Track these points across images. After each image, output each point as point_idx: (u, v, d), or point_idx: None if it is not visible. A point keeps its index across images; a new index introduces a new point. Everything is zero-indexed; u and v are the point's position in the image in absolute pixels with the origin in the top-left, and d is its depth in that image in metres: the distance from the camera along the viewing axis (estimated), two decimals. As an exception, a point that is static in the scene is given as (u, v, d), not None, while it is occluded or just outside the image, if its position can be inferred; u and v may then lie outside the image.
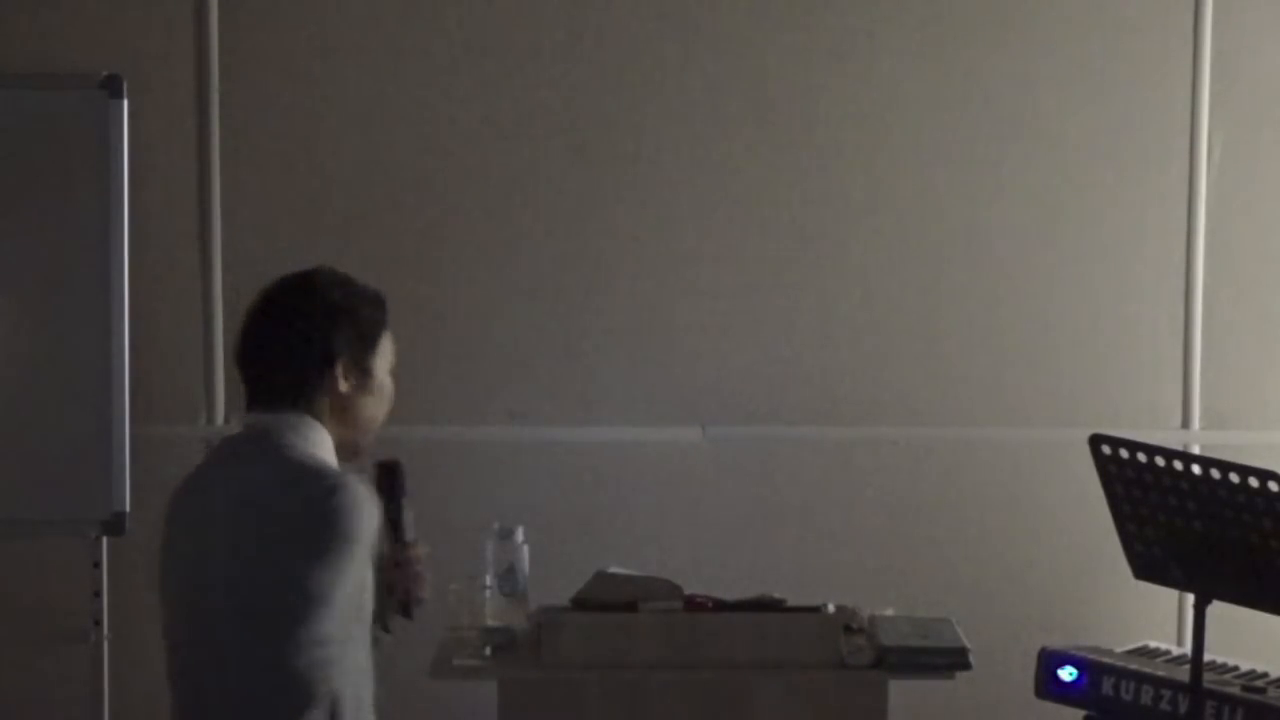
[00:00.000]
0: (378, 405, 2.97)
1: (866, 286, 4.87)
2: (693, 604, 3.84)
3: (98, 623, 4.51)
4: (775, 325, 4.86)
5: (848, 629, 3.87)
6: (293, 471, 2.79)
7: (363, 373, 2.92)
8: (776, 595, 3.92)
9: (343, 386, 2.88)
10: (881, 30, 4.82)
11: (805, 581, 4.21)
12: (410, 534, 3.01)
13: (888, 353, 4.87)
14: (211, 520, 2.86)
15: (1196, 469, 3.30)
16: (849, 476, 4.88)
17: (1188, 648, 3.62)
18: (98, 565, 4.49)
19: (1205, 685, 3.44)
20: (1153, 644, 4.16)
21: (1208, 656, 3.42)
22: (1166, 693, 3.82)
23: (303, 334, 2.88)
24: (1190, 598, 3.45)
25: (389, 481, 3.05)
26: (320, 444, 2.85)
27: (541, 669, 3.76)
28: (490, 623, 3.94)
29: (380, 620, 2.99)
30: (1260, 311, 4.89)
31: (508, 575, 4.03)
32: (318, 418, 2.86)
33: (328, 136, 4.81)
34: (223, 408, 4.83)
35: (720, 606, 3.86)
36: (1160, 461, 3.35)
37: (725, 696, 3.78)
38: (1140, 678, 3.89)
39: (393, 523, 2.99)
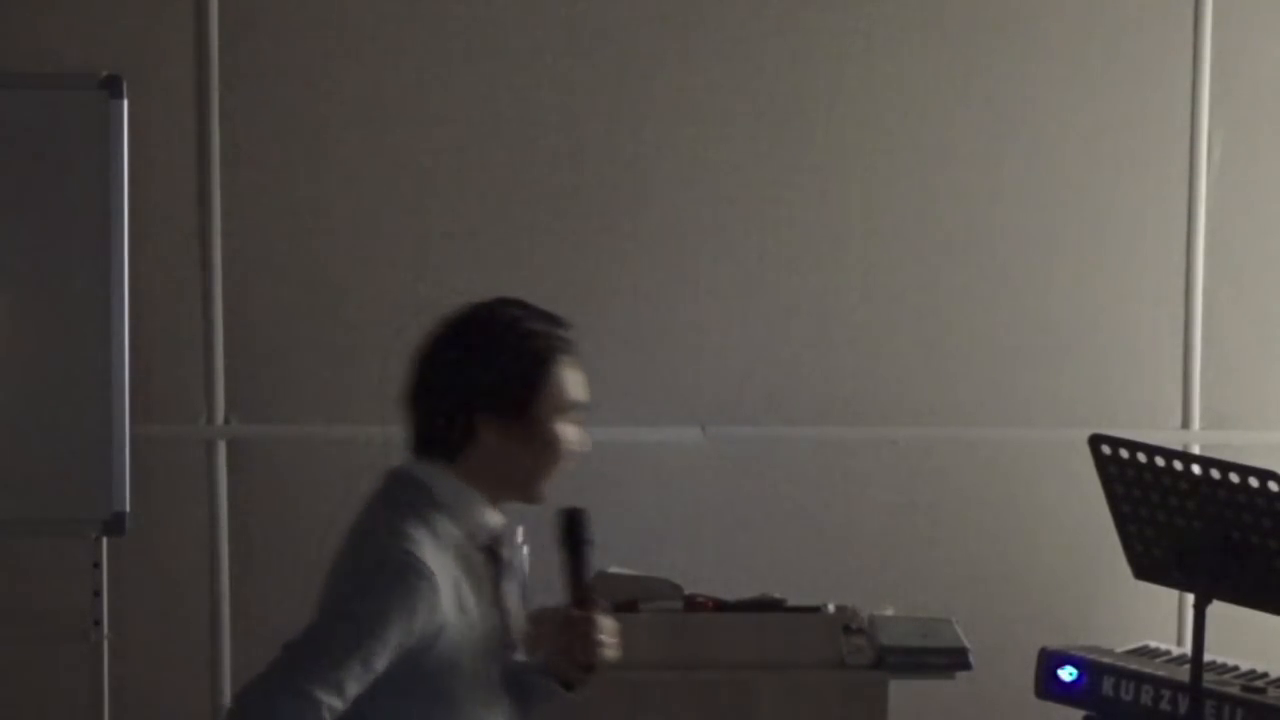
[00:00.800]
0: (540, 455, 2.70)
1: (866, 286, 4.87)
2: (693, 604, 3.85)
3: (98, 623, 4.50)
4: (775, 325, 4.86)
5: (848, 629, 3.87)
6: (374, 525, 2.70)
7: (518, 421, 2.67)
8: (776, 595, 3.92)
9: (490, 438, 2.67)
10: (881, 30, 4.82)
11: (805, 581, 4.22)
12: (589, 590, 2.75)
13: (888, 353, 4.87)
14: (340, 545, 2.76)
15: (1196, 469, 3.30)
16: (849, 476, 4.87)
17: (1188, 648, 3.62)
18: (98, 565, 4.48)
19: (1205, 685, 3.44)
20: (1153, 644, 4.16)
21: (1208, 656, 3.41)
22: (1166, 693, 3.82)
23: (440, 382, 2.73)
24: (1190, 598, 3.45)
25: (571, 531, 2.79)
26: (441, 498, 2.69)
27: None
28: (490, 623, 3.94)
29: (558, 676, 2.77)
30: (1260, 311, 4.89)
31: (508, 575, 4.03)
32: (459, 468, 2.69)
33: (328, 137, 4.81)
34: (223, 408, 4.83)
35: (720, 606, 3.86)
36: (1160, 461, 3.35)
37: (725, 696, 3.78)
38: (1140, 678, 3.88)
39: (572, 576, 2.76)
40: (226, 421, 4.83)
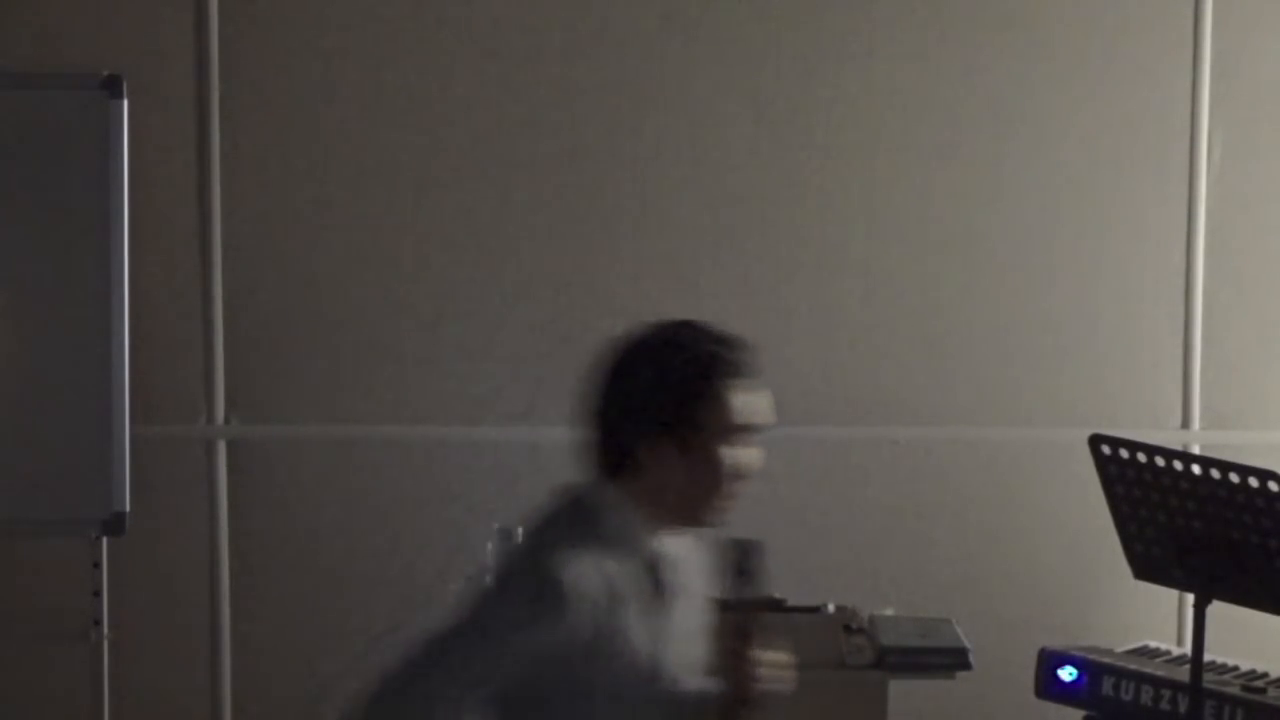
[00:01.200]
0: (709, 479, 2.65)
1: (866, 286, 4.87)
2: (693, 604, 3.84)
3: (98, 623, 4.51)
4: (776, 325, 4.86)
5: (848, 629, 3.88)
6: (533, 541, 2.68)
7: (687, 445, 2.63)
8: (776, 595, 3.92)
9: (659, 461, 2.64)
10: (881, 30, 4.82)
11: (805, 581, 4.21)
12: (755, 622, 2.70)
13: (888, 353, 4.87)
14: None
15: (1196, 469, 3.30)
16: (849, 476, 4.87)
17: (1188, 648, 3.62)
18: (98, 565, 4.49)
19: (1205, 685, 3.44)
20: (1153, 644, 4.16)
21: (1208, 656, 3.41)
22: (1166, 693, 3.82)
23: (612, 404, 2.69)
24: (1190, 598, 3.45)
25: (743, 563, 2.74)
26: (606, 519, 2.65)
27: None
28: (490, 623, 3.94)
29: (724, 707, 2.72)
30: (1260, 311, 4.89)
31: (508, 575, 4.03)
32: (629, 491, 2.65)
33: (328, 136, 4.81)
34: (222, 408, 4.83)
35: (720, 606, 3.85)
36: (1160, 461, 3.35)
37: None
38: (1140, 678, 3.88)
39: (738, 607, 2.71)
40: (226, 421, 4.83)
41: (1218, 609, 3.33)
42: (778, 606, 3.89)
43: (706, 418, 2.63)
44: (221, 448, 4.84)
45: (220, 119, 4.79)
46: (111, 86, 4.42)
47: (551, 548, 2.60)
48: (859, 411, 4.85)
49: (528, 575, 2.59)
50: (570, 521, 2.67)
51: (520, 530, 2.73)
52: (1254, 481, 3.21)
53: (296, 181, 4.82)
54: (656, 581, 2.68)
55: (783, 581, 4.04)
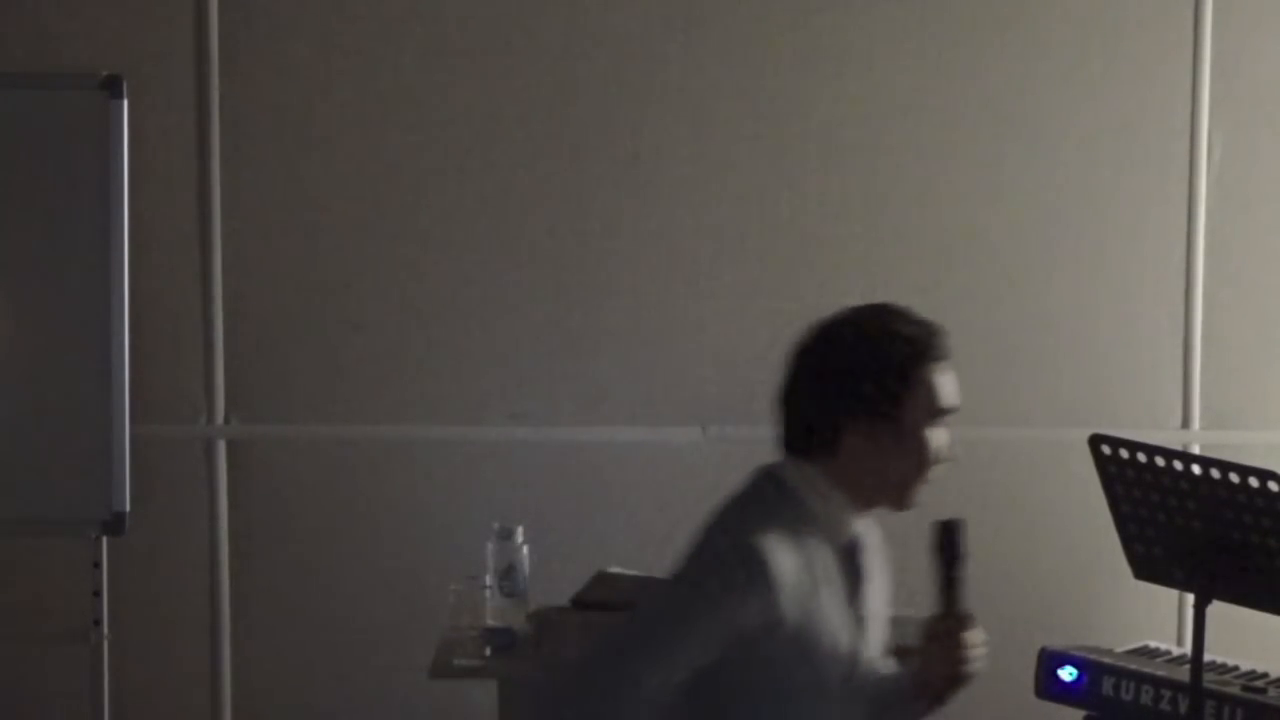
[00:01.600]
0: (908, 460, 2.68)
1: (866, 286, 4.86)
2: (693, 604, 3.84)
3: (98, 623, 4.50)
4: (775, 325, 4.84)
5: (848, 629, 3.87)
6: (729, 518, 2.68)
7: (887, 426, 2.64)
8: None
9: (858, 442, 2.65)
10: (881, 30, 4.82)
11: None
12: (961, 602, 2.72)
13: (888, 353, 4.86)
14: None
15: (1196, 469, 3.30)
16: (849, 476, 4.87)
17: (1188, 648, 3.61)
18: (98, 565, 4.48)
19: (1205, 685, 3.43)
20: (1153, 644, 4.16)
21: (1208, 656, 3.41)
22: (1166, 693, 3.82)
23: (811, 384, 2.70)
24: (1190, 598, 3.45)
25: (947, 543, 2.77)
26: (804, 499, 2.67)
27: (541, 669, 3.76)
28: (490, 623, 3.95)
29: (925, 688, 2.73)
30: (1260, 311, 4.89)
31: (508, 575, 4.04)
32: (827, 471, 2.67)
33: (328, 136, 4.81)
34: (222, 408, 4.83)
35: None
36: (1160, 461, 3.35)
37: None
38: (1140, 678, 3.88)
39: (945, 589, 2.73)
40: (226, 421, 4.83)
41: (1218, 609, 3.32)
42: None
43: (909, 400, 2.64)
44: (221, 448, 4.84)
45: (220, 119, 4.79)
46: (111, 86, 4.42)
47: (751, 525, 2.60)
48: (859, 411, 4.84)
49: (728, 552, 2.58)
50: (770, 501, 2.67)
51: (716, 510, 2.72)
52: (1254, 481, 3.21)
53: (296, 181, 4.82)
54: (852, 564, 2.70)
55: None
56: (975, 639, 2.71)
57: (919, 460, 2.68)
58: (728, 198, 4.84)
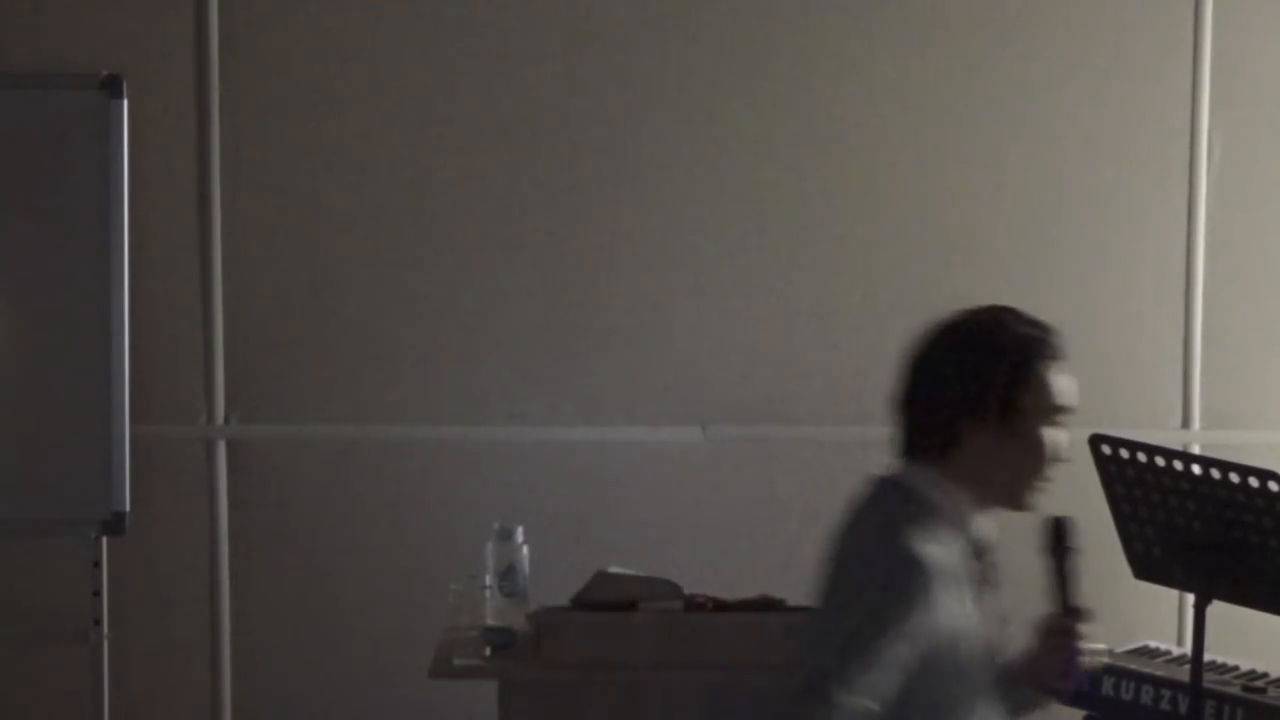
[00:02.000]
0: (1027, 460, 2.68)
1: (866, 286, 4.87)
2: (693, 604, 3.84)
3: (98, 623, 4.50)
4: (775, 325, 4.86)
5: (848, 629, 3.86)
6: (872, 532, 2.67)
7: (1006, 426, 2.65)
8: (776, 595, 3.92)
9: (978, 442, 2.66)
10: (882, 30, 4.82)
11: (805, 581, 4.20)
12: (1076, 597, 2.74)
13: (888, 353, 4.83)
14: (827, 550, 2.76)
15: (1196, 469, 3.30)
16: (849, 476, 4.84)
17: (1188, 648, 3.61)
18: (98, 565, 4.49)
19: (1205, 685, 3.44)
20: (1153, 644, 4.16)
21: (1208, 656, 3.41)
22: (1166, 693, 3.82)
23: (929, 387, 2.72)
24: (1190, 598, 3.45)
25: (1058, 539, 2.79)
26: (935, 504, 2.67)
27: (541, 669, 3.76)
28: (490, 623, 3.95)
29: (1037, 683, 2.76)
30: (1260, 311, 4.89)
31: (508, 575, 4.04)
32: (948, 474, 2.68)
33: (328, 136, 4.81)
34: (222, 408, 4.83)
35: (720, 606, 3.85)
36: (1160, 461, 3.35)
37: (725, 696, 3.78)
38: (1140, 678, 3.88)
39: (1058, 584, 2.75)
40: (226, 421, 4.83)
41: (1218, 609, 3.32)
42: (778, 606, 3.89)
43: (1029, 399, 2.66)
44: (221, 448, 4.84)
45: (220, 119, 4.79)
46: (111, 86, 4.42)
47: (897, 531, 2.61)
48: (859, 411, 4.84)
49: (890, 560, 2.58)
50: (904, 509, 2.67)
51: (845, 524, 2.74)
52: (1254, 481, 3.21)
53: (296, 181, 4.82)
54: (980, 564, 2.71)
55: (783, 581, 4.05)
56: (1088, 633, 2.73)
57: (1037, 460, 2.69)
58: (728, 198, 4.84)
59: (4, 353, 4.44)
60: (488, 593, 4.03)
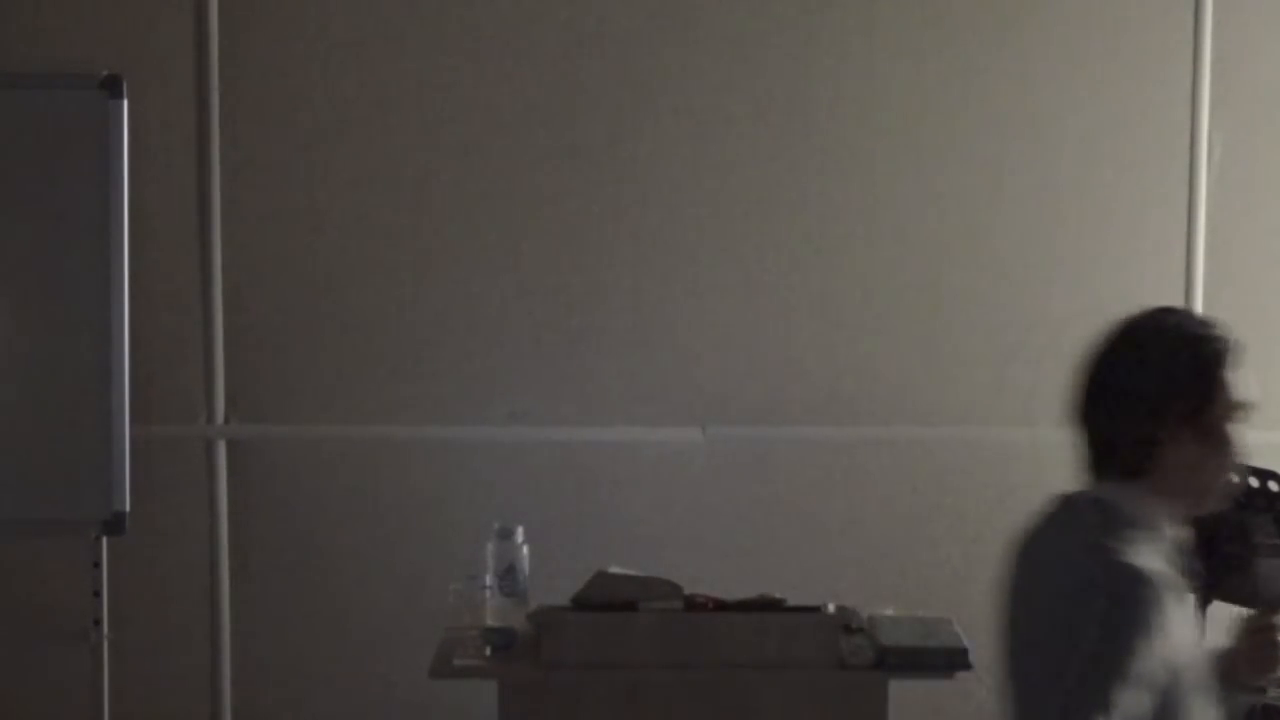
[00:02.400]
0: (1217, 461, 2.63)
1: (866, 286, 4.87)
2: (693, 604, 3.84)
3: (98, 623, 4.51)
4: (775, 325, 4.86)
5: (848, 629, 3.87)
6: (1086, 556, 2.59)
7: (1199, 430, 2.61)
8: (776, 595, 3.92)
9: (1173, 450, 2.60)
10: (882, 30, 4.82)
11: (805, 581, 4.21)
12: (1274, 596, 2.73)
13: (888, 353, 4.87)
14: (1017, 575, 2.73)
15: (1196, 469, 3.29)
16: (849, 476, 4.87)
17: (1188, 648, 3.61)
18: (98, 565, 4.49)
19: (1205, 685, 3.44)
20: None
21: (1208, 656, 3.41)
22: (1166, 693, 3.81)
23: (1118, 398, 2.65)
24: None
25: (1245, 537, 2.79)
26: (1135, 518, 2.62)
27: (541, 669, 3.76)
28: (490, 623, 3.95)
29: (1236, 683, 2.75)
30: (1260, 311, 4.89)
31: (508, 575, 4.04)
32: (1145, 486, 2.61)
33: (328, 136, 4.81)
34: (222, 408, 4.83)
35: (720, 606, 3.86)
36: (1160, 461, 3.35)
37: (725, 696, 3.78)
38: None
39: (1252, 582, 2.78)
40: (226, 421, 4.83)
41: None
42: (778, 606, 3.89)
43: (1218, 402, 2.63)
44: (221, 448, 4.84)
45: (220, 119, 4.79)
46: (111, 86, 4.42)
47: (1110, 550, 2.56)
48: (859, 411, 4.85)
49: (1115, 579, 2.53)
50: (1106, 524, 2.63)
51: (1037, 548, 2.69)
52: (1254, 481, 3.22)
53: (296, 181, 4.82)
54: (1179, 572, 2.67)
55: (783, 581, 4.05)
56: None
57: (1226, 460, 2.65)
58: (728, 198, 4.84)
59: (4, 353, 4.44)
60: (488, 593, 4.02)
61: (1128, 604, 2.51)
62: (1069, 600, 2.56)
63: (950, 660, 3.84)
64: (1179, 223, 4.87)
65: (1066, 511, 2.70)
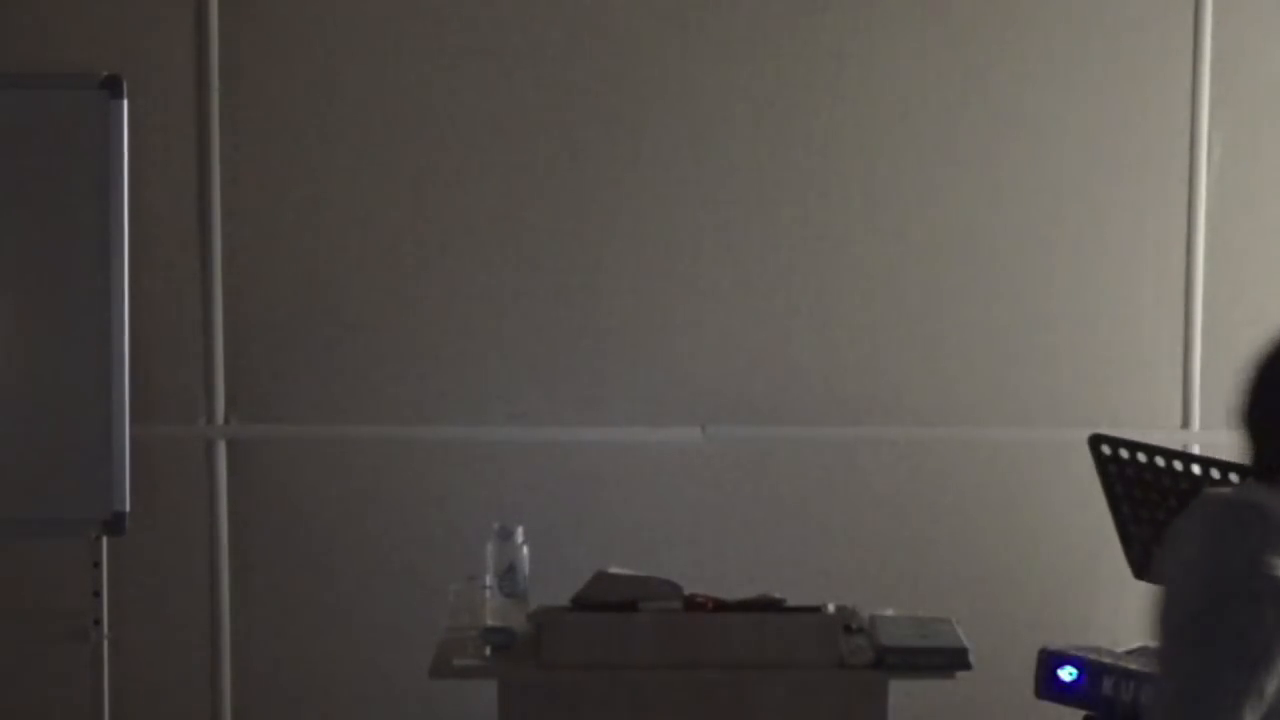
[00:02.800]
0: None
1: (866, 286, 4.87)
2: (693, 604, 3.85)
3: (98, 623, 4.50)
4: (775, 325, 4.86)
5: (848, 629, 3.87)
6: (1225, 556, 2.53)
7: None
8: (776, 595, 3.92)
9: None
10: (881, 30, 4.82)
11: (805, 581, 4.22)
12: None
13: (888, 353, 4.87)
14: (1167, 565, 2.69)
15: (1196, 469, 3.30)
16: (849, 476, 4.88)
17: (1188, 648, 3.61)
18: (98, 565, 4.48)
19: (1205, 685, 3.43)
20: (1153, 644, 4.15)
21: (1208, 656, 3.41)
22: (1167, 693, 3.81)
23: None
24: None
25: None
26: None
27: (541, 669, 3.76)
28: (490, 623, 3.95)
29: None
30: (1260, 311, 4.89)
31: (508, 575, 4.04)
32: None
33: (327, 136, 4.81)
34: (223, 408, 4.83)
35: (720, 606, 3.86)
36: (1160, 461, 3.36)
37: (725, 696, 3.78)
38: (1140, 678, 3.87)
39: None
40: (226, 421, 4.83)
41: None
42: (778, 606, 3.89)
43: None
44: (221, 448, 4.84)
45: (220, 119, 4.79)
46: (111, 86, 4.42)
47: (1259, 556, 2.50)
48: (859, 411, 4.85)
49: (1248, 581, 2.49)
50: (1256, 528, 2.54)
51: (1192, 550, 2.66)
52: (1254, 481, 3.21)
53: (296, 181, 4.82)
54: None
55: (783, 581, 4.05)
56: None
57: None
58: (728, 198, 4.84)
59: (4, 353, 4.44)
60: (488, 593, 4.03)
61: (1259, 616, 2.46)
62: (1214, 597, 2.53)
63: (950, 660, 3.84)
64: (1179, 223, 4.87)
65: (1217, 513, 2.66)
